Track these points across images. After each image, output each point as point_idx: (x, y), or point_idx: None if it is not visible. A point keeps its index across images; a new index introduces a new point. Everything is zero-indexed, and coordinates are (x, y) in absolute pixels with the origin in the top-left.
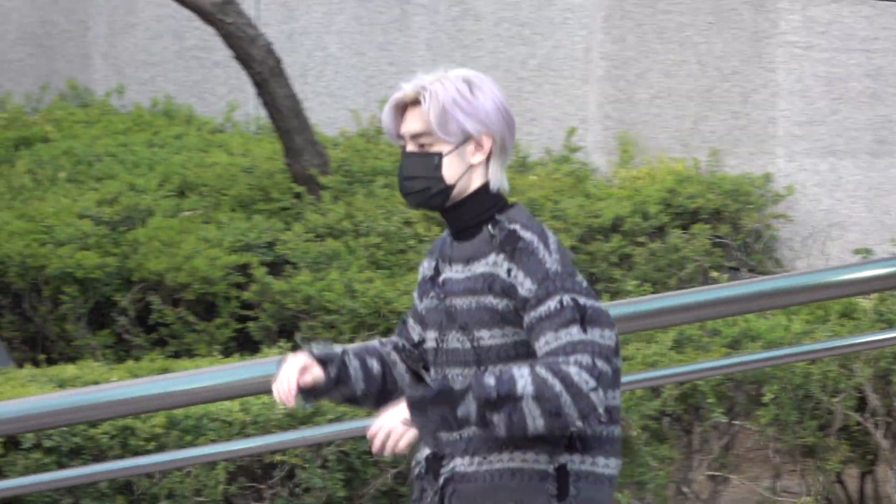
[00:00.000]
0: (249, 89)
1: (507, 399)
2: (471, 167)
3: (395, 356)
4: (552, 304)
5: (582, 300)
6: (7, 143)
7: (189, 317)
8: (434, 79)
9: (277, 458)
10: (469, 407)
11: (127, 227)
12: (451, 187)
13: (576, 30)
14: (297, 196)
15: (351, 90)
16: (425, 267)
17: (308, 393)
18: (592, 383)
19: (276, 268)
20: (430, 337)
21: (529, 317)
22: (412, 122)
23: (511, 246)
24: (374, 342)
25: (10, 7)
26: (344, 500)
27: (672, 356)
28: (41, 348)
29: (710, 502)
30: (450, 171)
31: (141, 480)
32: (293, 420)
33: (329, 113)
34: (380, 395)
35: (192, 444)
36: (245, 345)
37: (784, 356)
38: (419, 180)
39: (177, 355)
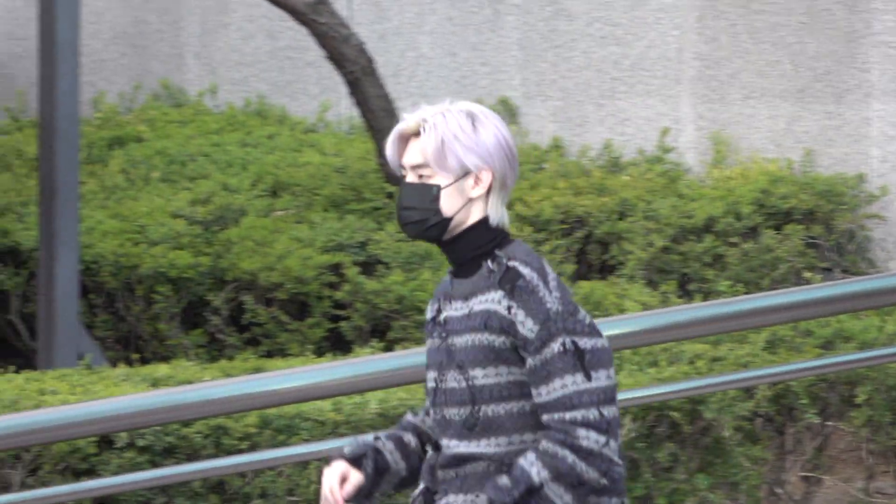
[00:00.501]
0: (342, 89)
1: (528, 494)
2: (470, 200)
3: (429, 421)
4: (555, 347)
5: (582, 342)
6: (101, 143)
7: (282, 316)
8: (437, 111)
9: None
10: None
11: (220, 226)
12: (449, 220)
13: (669, 30)
14: (390, 196)
15: (443, 90)
16: (428, 309)
17: (357, 498)
18: (602, 439)
19: (368, 267)
20: (430, 377)
21: (531, 360)
22: (412, 154)
23: (510, 283)
24: (408, 415)
25: (104, 7)
26: None
27: (765, 357)
28: (134, 347)
29: (803, 503)
30: (448, 203)
31: (234, 480)
32: (385, 420)
33: None
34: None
35: (284, 444)
36: (337, 344)
37: (877, 357)
38: (417, 211)
39: (269, 355)
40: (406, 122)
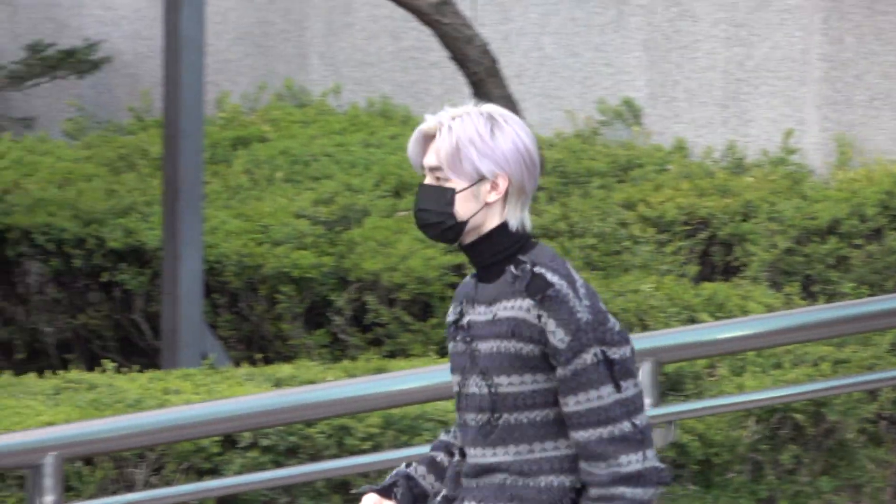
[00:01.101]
0: (465, 90)
1: None
2: (486, 205)
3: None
4: (587, 358)
5: (612, 353)
6: (225, 143)
7: (404, 317)
8: (456, 114)
9: None
10: None
11: (343, 226)
12: (464, 223)
13: (793, 31)
14: None
15: (567, 91)
16: (450, 311)
17: None
18: (640, 455)
19: None
20: (454, 381)
21: (561, 370)
22: (430, 155)
23: (540, 292)
24: (441, 434)
25: (228, 7)
26: None
27: (889, 359)
28: (257, 347)
29: None
30: (462, 207)
31: (357, 480)
32: None
33: (545, 114)
34: None
35: (407, 444)
36: None
37: None
38: (432, 213)
39: (392, 355)
40: (426, 123)
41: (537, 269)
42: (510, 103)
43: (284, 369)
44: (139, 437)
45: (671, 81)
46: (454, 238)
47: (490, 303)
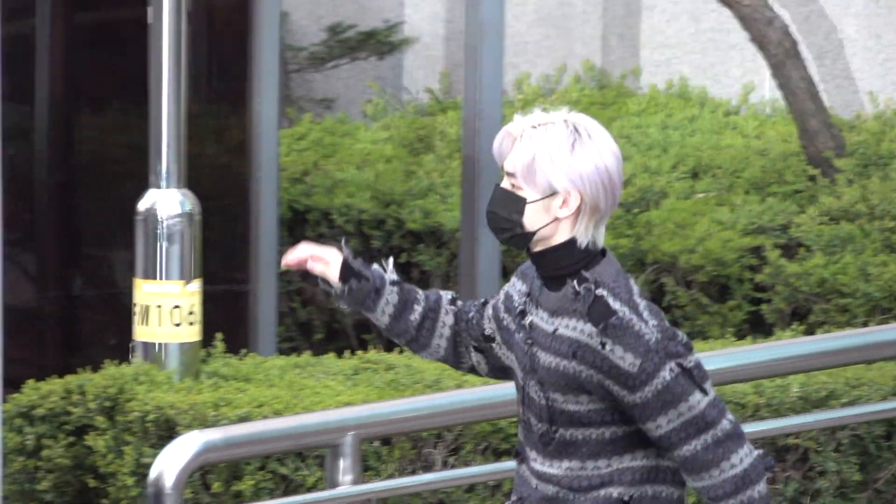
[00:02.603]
0: (764, 72)
1: None
2: (556, 220)
3: (451, 319)
4: (665, 375)
5: (686, 362)
6: None
7: (702, 298)
8: (541, 122)
9: (791, 441)
10: None
11: (641, 208)
12: (532, 234)
13: None
14: (812, 179)
15: (867, 73)
16: (518, 289)
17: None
18: (745, 449)
19: (789, 251)
20: (518, 373)
21: (637, 395)
22: (509, 159)
23: (603, 320)
24: (446, 296)
25: None
26: (858, 485)
27: None
28: None
29: None
30: (531, 219)
31: None
32: (807, 403)
33: (845, 96)
34: (408, 340)
35: None
36: (757, 327)
37: None
38: (501, 219)
39: (689, 337)
40: (513, 124)
41: (599, 292)
42: (810, 85)
43: None
44: (437, 417)
45: None
46: (522, 246)
47: (552, 313)
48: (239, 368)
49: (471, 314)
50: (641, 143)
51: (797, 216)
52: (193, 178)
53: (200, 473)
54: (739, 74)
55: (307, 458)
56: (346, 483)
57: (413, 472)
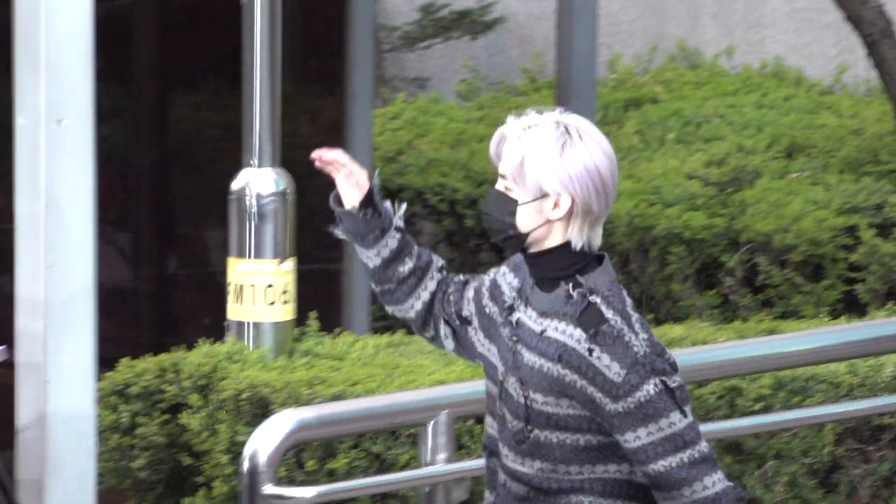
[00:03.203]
0: (859, 51)
1: None
2: (549, 221)
3: (433, 286)
4: (649, 389)
5: (670, 381)
6: (616, 104)
7: (796, 278)
8: (531, 124)
9: (885, 420)
10: None
11: (734, 188)
12: (525, 235)
13: None
14: None
15: None
16: (509, 282)
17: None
18: (714, 477)
19: (883, 230)
20: (498, 367)
21: (619, 405)
22: (501, 161)
23: (593, 327)
24: (436, 262)
25: None
26: None
27: None
28: (648, 308)
29: None
30: (524, 220)
31: (748, 440)
32: None
33: None
34: (385, 290)
35: (799, 406)
36: (852, 307)
37: None
38: (494, 220)
39: (783, 316)
40: (507, 126)
41: (593, 299)
42: None
43: (675, 330)
44: None
45: None
46: (517, 247)
47: (542, 314)
48: (333, 347)
49: (450, 289)
50: (736, 122)
51: (892, 195)
52: (287, 158)
53: (294, 451)
54: (834, 54)
55: (400, 437)
56: (440, 461)
57: None
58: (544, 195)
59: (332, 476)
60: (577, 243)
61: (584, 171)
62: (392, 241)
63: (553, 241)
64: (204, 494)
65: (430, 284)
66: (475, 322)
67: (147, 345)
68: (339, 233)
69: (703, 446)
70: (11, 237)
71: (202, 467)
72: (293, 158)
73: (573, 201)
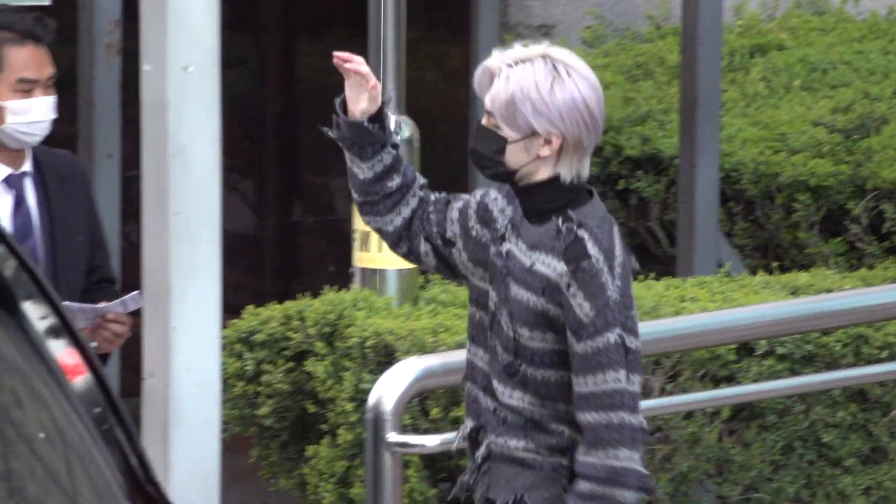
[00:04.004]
0: None
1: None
2: (538, 158)
3: (415, 203)
4: (610, 337)
5: (629, 341)
6: (742, 51)
7: None
8: (521, 58)
9: None
10: None
11: (860, 134)
12: (514, 171)
13: None
14: None
15: None
16: (501, 208)
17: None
18: (629, 453)
19: None
20: (492, 298)
21: (581, 345)
22: (487, 97)
23: (575, 262)
24: (419, 179)
25: None
26: None
27: None
28: (773, 256)
29: None
30: (513, 158)
31: (874, 389)
32: None
33: None
34: (368, 201)
35: None
36: None
37: None
38: (482, 157)
39: None
40: (491, 61)
41: (580, 233)
42: None
43: (801, 278)
44: (655, 344)
45: None
46: (507, 181)
47: (531, 247)
48: (457, 295)
49: (430, 208)
50: (862, 69)
51: None
52: (412, 105)
53: (419, 399)
54: None
55: None
56: None
57: None
58: (534, 134)
59: (456, 424)
60: (567, 177)
61: (574, 107)
62: (387, 157)
63: (542, 175)
64: (328, 442)
65: (412, 201)
66: (459, 244)
67: (272, 292)
68: (333, 135)
69: (635, 420)
70: (138, 185)
71: (327, 415)
72: (419, 105)
73: (564, 139)
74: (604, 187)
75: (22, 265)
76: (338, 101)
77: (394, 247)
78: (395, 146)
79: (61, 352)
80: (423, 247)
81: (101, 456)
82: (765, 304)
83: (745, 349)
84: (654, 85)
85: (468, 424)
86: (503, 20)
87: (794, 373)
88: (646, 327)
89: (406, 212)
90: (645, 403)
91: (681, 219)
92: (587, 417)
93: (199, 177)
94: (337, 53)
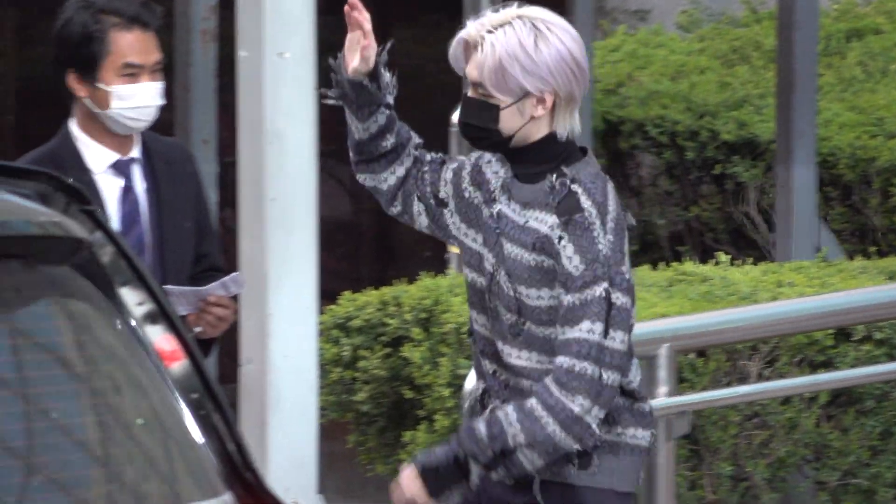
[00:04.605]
0: None
1: (502, 454)
2: (532, 119)
3: (409, 162)
4: (597, 290)
5: (615, 296)
6: (839, 35)
7: None
8: (498, 23)
9: None
10: (474, 473)
11: None
12: (510, 138)
13: None
14: None
15: None
16: (495, 171)
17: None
18: (588, 404)
19: None
20: (487, 259)
21: (568, 297)
22: (472, 68)
23: (567, 215)
24: (414, 139)
25: None
26: None
27: None
28: (871, 240)
29: None
30: (508, 123)
31: None
32: None
33: None
34: (363, 159)
35: None
36: None
37: None
38: (476, 129)
39: None
40: (468, 31)
41: (574, 188)
42: None
43: None
44: (752, 329)
45: None
46: (501, 149)
47: (524, 205)
48: None
49: (425, 168)
50: None
51: None
52: None
53: None
54: None
55: None
56: (662, 395)
57: (728, 385)
58: (526, 95)
59: None
60: (563, 134)
61: (561, 60)
62: (381, 116)
63: (538, 134)
64: (425, 428)
65: (407, 161)
66: (451, 205)
67: (368, 278)
68: (332, 94)
69: (606, 376)
70: (234, 171)
71: (423, 400)
72: None
73: (556, 95)
74: (699, 172)
75: (119, 252)
76: (338, 59)
77: (388, 206)
78: (390, 106)
79: (158, 337)
80: (417, 206)
81: (199, 442)
82: (862, 289)
83: (843, 334)
84: (750, 69)
85: (479, 387)
86: (599, 5)
87: (892, 358)
88: (742, 313)
89: (400, 171)
90: (742, 389)
91: (778, 204)
92: (559, 359)
93: (296, 163)
94: (351, 2)
